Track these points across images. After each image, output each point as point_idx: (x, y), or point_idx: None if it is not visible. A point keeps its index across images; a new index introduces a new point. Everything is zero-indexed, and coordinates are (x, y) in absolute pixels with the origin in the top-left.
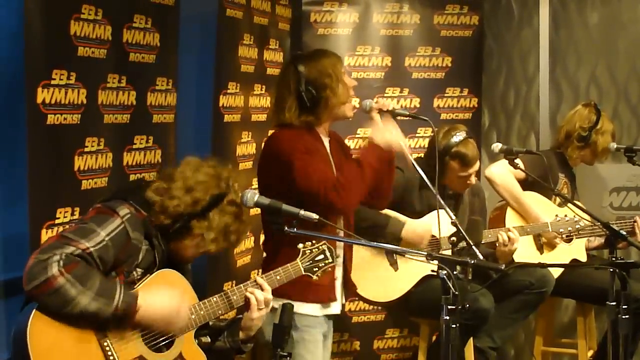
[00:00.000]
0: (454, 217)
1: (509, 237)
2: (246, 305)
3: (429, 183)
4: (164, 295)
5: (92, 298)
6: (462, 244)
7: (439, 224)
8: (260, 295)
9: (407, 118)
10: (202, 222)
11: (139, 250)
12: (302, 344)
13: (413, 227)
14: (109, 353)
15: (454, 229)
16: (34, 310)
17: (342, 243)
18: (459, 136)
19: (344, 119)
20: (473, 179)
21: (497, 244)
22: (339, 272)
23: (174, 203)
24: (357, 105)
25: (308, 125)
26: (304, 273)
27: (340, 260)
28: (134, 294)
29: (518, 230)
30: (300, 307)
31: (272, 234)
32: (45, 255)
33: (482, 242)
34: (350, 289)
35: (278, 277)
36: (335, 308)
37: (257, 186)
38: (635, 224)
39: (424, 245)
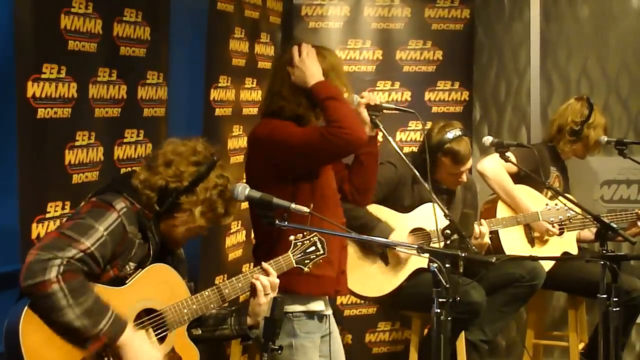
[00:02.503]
0: (446, 210)
1: (480, 231)
2: (252, 292)
3: (421, 179)
4: (149, 349)
5: (78, 316)
6: (454, 236)
7: (435, 216)
8: (265, 280)
9: (395, 112)
10: (191, 196)
11: (134, 245)
12: (302, 351)
13: (401, 233)
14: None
15: (445, 223)
16: (28, 304)
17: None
18: (453, 133)
19: None
20: (465, 177)
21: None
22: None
23: (157, 178)
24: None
25: (301, 119)
26: (295, 265)
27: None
28: (122, 326)
29: (509, 220)
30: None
31: (262, 227)
32: (47, 255)
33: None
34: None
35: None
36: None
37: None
38: (637, 215)
39: (405, 257)
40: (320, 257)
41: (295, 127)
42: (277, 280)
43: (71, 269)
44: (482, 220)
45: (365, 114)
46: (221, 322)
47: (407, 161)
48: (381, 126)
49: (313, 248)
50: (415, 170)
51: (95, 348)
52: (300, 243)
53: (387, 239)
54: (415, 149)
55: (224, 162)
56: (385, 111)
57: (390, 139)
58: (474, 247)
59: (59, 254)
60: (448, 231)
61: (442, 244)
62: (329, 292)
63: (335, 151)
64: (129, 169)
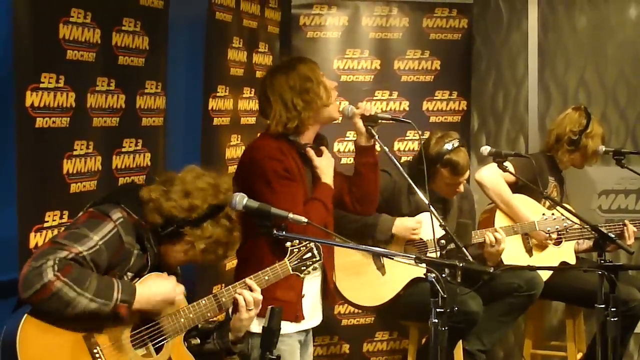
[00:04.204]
0: (441, 220)
1: (495, 238)
2: (234, 307)
3: (417, 189)
4: (159, 282)
5: (91, 299)
6: (451, 246)
7: (432, 227)
8: (249, 296)
9: (391, 122)
10: (196, 230)
11: (131, 255)
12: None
13: (402, 221)
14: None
15: (443, 232)
16: (25, 316)
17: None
18: (451, 144)
19: (331, 121)
20: (462, 187)
21: (484, 245)
22: (311, 288)
23: (170, 204)
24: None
25: (292, 133)
26: (292, 272)
27: (316, 276)
28: (132, 288)
29: (506, 229)
30: None
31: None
32: (39, 262)
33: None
34: (331, 300)
35: (267, 278)
36: (311, 323)
37: None
38: (625, 227)
39: (416, 235)
40: (316, 263)
41: (286, 185)
42: (261, 297)
43: (64, 264)
44: (498, 228)
45: (360, 124)
46: (206, 337)
47: (404, 173)
48: (377, 137)
49: (309, 254)
50: (412, 182)
51: (124, 313)
52: (297, 250)
53: (390, 230)
54: (411, 159)
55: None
56: (381, 121)
57: (385, 149)
58: (469, 257)
59: (51, 257)
60: (443, 241)
61: (438, 253)
62: (289, 318)
63: None
64: (127, 178)
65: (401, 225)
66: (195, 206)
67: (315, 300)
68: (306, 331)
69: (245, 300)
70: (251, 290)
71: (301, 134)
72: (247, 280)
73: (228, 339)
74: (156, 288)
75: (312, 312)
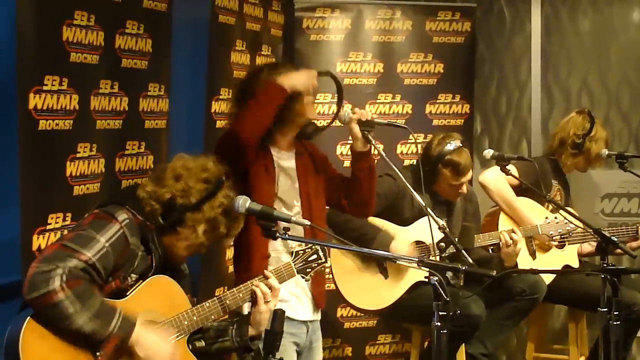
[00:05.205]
0: (441, 223)
1: (511, 238)
2: (253, 300)
3: (415, 194)
4: (160, 337)
5: (89, 319)
6: (451, 249)
7: (431, 229)
8: (265, 288)
9: (388, 127)
10: (196, 213)
11: (136, 257)
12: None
13: (402, 242)
14: None
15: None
16: (28, 318)
17: None
18: (453, 144)
19: (308, 122)
20: (465, 188)
21: (500, 246)
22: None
23: (164, 191)
24: (348, 110)
25: (267, 139)
26: (297, 275)
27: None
28: (132, 324)
29: (508, 232)
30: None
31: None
32: (49, 267)
33: (485, 244)
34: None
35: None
36: (301, 313)
37: None
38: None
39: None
40: (321, 265)
41: None
42: (279, 287)
43: (73, 276)
44: (515, 228)
45: (357, 129)
46: (222, 334)
47: (401, 176)
48: (373, 142)
49: (315, 256)
50: (409, 185)
51: (109, 349)
52: (302, 252)
53: (387, 248)
54: (414, 162)
55: (231, 181)
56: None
57: (383, 154)
58: (469, 260)
59: (60, 264)
60: (442, 244)
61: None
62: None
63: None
64: (130, 180)
65: (399, 246)
66: (188, 187)
67: (301, 293)
68: (305, 324)
69: (262, 292)
70: (267, 279)
71: (275, 143)
72: (265, 271)
73: (247, 336)
74: (152, 342)
75: (300, 304)
